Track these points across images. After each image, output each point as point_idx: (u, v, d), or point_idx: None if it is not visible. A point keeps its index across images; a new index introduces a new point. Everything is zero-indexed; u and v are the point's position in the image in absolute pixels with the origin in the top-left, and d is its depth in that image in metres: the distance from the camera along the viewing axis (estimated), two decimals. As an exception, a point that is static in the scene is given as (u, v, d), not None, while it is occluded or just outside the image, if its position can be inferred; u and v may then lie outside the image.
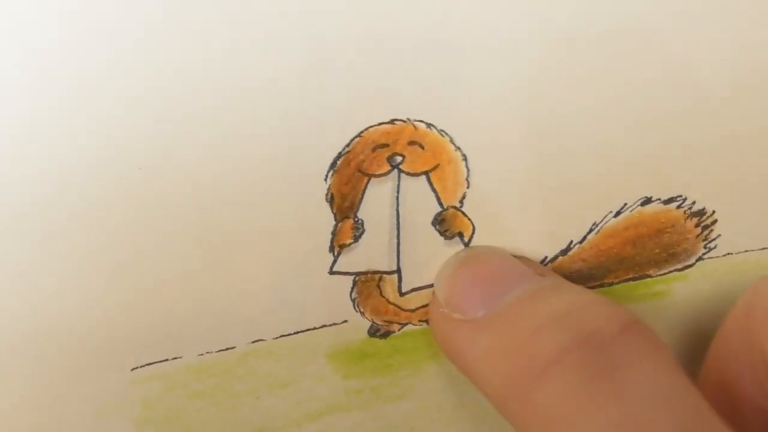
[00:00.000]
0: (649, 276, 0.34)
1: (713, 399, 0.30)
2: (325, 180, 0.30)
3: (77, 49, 0.27)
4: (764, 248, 0.35)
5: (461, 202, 0.32)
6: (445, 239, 0.32)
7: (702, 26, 0.31)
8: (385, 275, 0.32)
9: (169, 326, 0.31)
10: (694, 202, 0.34)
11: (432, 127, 0.31)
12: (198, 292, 0.31)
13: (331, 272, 0.32)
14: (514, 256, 0.33)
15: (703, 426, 0.28)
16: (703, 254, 0.35)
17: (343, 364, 0.33)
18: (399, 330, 0.33)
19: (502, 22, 0.29)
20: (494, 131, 0.31)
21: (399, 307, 0.33)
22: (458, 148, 0.31)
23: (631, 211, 0.33)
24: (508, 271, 0.32)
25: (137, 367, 0.31)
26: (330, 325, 0.33)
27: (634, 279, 0.34)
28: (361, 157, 0.30)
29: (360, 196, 0.31)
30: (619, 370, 0.28)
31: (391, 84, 0.30)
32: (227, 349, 0.32)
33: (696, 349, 0.36)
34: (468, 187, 0.32)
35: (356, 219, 0.31)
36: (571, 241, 0.33)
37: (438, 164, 0.31)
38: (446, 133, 0.31)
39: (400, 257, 0.32)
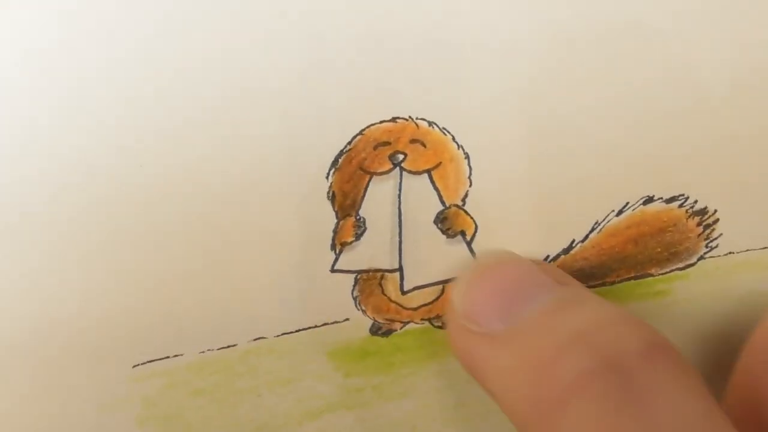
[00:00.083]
0: (651, 275, 0.34)
1: (741, 417, 0.30)
2: (327, 178, 0.30)
3: (77, 49, 0.27)
4: (766, 247, 0.35)
5: (463, 200, 0.32)
6: (447, 237, 0.32)
7: (702, 26, 0.31)
8: (386, 273, 0.32)
9: (170, 324, 0.31)
10: (696, 201, 0.33)
11: (434, 126, 0.31)
12: (199, 289, 0.31)
13: (333, 270, 0.32)
14: (536, 262, 0.32)
15: None
16: (705, 253, 0.34)
17: (345, 362, 0.33)
18: (401, 328, 0.33)
19: (502, 22, 0.29)
20: (495, 130, 0.31)
21: (401, 306, 0.33)
22: (460, 147, 0.31)
23: (633, 209, 0.33)
24: (527, 280, 0.31)
25: (138, 365, 0.31)
26: (331, 323, 0.33)
27: (635, 278, 0.34)
28: (363, 155, 0.30)
29: (362, 194, 0.31)
30: (645, 398, 0.27)
31: (392, 84, 0.30)
32: (228, 346, 0.32)
33: (698, 348, 0.36)
34: (470, 186, 0.32)
35: (358, 217, 0.31)
36: (573, 240, 0.33)
37: (440, 162, 0.31)
38: (448, 132, 0.31)
39: (402, 255, 0.32)
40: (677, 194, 0.33)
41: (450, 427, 0.35)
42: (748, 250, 0.35)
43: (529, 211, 0.32)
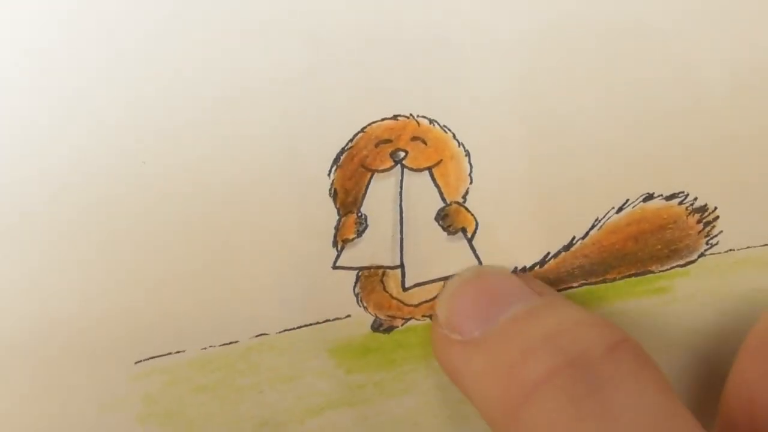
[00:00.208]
0: (651, 272, 0.34)
1: (736, 421, 0.30)
2: (329, 175, 0.30)
3: (77, 49, 0.27)
4: (766, 244, 0.35)
5: (464, 197, 0.32)
6: (448, 234, 0.32)
7: (702, 26, 0.31)
8: (388, 270, 0.32)
9: (172, 320, 0.31)
10: (696, 199, 0.33)
11: (435, 123, 0.31)
12: (201, 286, 0.31)
13: (335, 267, 0.32)
14: (518, 274, 0.33)
15: None
16: (705, 250, 0.34)
17: (346, 358, 0.33)
18: (402, 325, 0.34)
19: (502, 21, 0.29)
20: (496, 128, 0.31)
21: (402, 302, 0.33)
22: (461, 144, 0.31)
23: (633, 207, 0.33)
24: (504, 290, 0.32)
25: (140, 361, 0.31)
26: (333, 320, 0.33)
27: (636, 275, 0.34)
28: (365, 152, 0.30)
29: (363, 192, 0.31)
30: (605, 390, 0.28)
31: (392, 83, 0.30)
32: (230, 343, 0.32)
33: (698, 345, 0.36)
34: (471, 183, 0.32)
35: (359, 214, 0.31)
36: (574, 237, 0.33)
37: (441, 160, 0.31)
38: (449, 129, 0.31)
39: (404, 252, 0.32)
40: (677, 191, 0.33)
41: (451, 423, 0.35)
42: (748, 247, 0.35)
43: (530, 208, 0.32)
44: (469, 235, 0.32)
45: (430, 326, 0.33)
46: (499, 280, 0.32)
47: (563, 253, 0.33)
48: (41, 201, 0.28)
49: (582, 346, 0.29)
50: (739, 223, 0.34)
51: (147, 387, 0.31)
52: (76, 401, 0.31)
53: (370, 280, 0.32)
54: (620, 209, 0.33)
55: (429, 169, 0.31)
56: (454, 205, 0.32)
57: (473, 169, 0.31)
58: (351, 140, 0.30)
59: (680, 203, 0.33)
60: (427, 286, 0.33)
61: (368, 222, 0.31)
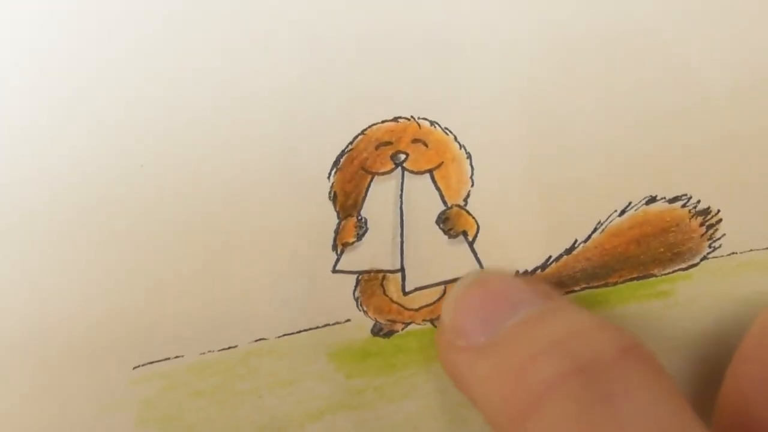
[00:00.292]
0: (654, 275, 0.34)
1: (733, 426, 0.30)
2: (329, 178, 0.30)
3: (77, 49, 0.27)
4: (769, 248, 0.35)
5: (465, 200, 0.32)
6: (449, 238, 0.32)
7: (702, 26, 0.31)
8: (388, 274, 0.32)
9: (170, 325, 0.31)
10: (699, 201, 0.33)
11: (436, 125, 0.31)
12: (200, 290, 0.31)
13: (334, 271, 0.32)
14: (524, 277, 0.33)
15: None
16: (708, 253, 0.34)
17: (346, 363, 0.33)
18: (402, 329, 0.33)
19: (502, 22, 0.29)
20: (497, 131, 0.31)
21: (402, 306, 0.33)
22: (462, 147, 0.31)
23: (635, 210, 0.33)
24: (510, 295, 0.31)
25: (139, 366, 0.31)
26: (333, 324, 0.32)
27: (638, 278, 0.34)
28: (365, 154, 0.30)
29: (363, 195, 0.31)
30: (616, 398, 0.27)
31: (392, 84, 0.30)
32: (229, 348, 0.32)
33: (700, 348, 0.36)
34: (472, 186, 0.32)
35: (359, 217, 0.31)
36: (576, 240, 0.33)
37: (442, 162, 0.31)
38: (450, 132, 0.31)
39: (404, 256, 0.32)
40: (680, 194, 0.33)
41: (452, 428, 0.35)
42: (751, 250, 0.35)
43: (532, 211, 0.32)
44: (470, 239, 0.32)
45: (430, 331, 0.33)
46: (505, 284, 0.32)
47: (565, 256, 0.33)
48: (41, 201, 0.28)
49: (592, 351, 0.29)
50: (742, 225, 0.34)
51: (145, 391, 0.31)
52: (76, 402, 0.31)
53: (370, 284, 0.32)
54: (623, 212, 0.33)
55: (430, 171, 0.31)
56: (455, 208, 0.32)
57: (474, 171, 0.31)
58: (351, 142, 0.30)
59: (683, 206, 0.33)
60: (427, 290, 0.33)
61: (368, 225, 0.31)
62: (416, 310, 0.33)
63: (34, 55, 0.27)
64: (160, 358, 0.31)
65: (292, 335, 0.32)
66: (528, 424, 0.28)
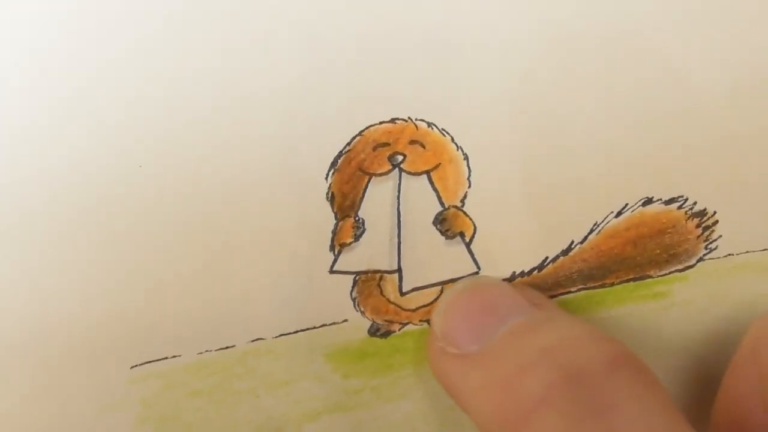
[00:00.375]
0: (650, 277, 0.34)
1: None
2: (326, 179, 0.30)
3: (77, 49, 0.27)
4: (765, 249, 0.35)
5: (462, 201, 0.32)
6: (446, 239, 0.32)
7: (702, 27, 0.31)
8: (385, 274, 0.32)
9: (168, 325, 0.31)
10: (695, 203, 0.33)
11: (433, 127, 0.31)
12: (198, 290, 0.31)
13: (332, 271, 0.32)
14: (515, 284, 0.33)
15: None
16: (704, 255, 0.34)
17: (343, 363, 0.33)
18: (399, 330, 0.33)
19: (502, 22, 0.29)
20: (494, 131, 0.31)
21: (399, 307, 0.33)
22: (459, 148, 0.31)
23: (632, 211, 0.33)
24: (500, 303, 0.31)
25: (136, 366, 0.31)
26: (330, 325, 0.32)
27: (634, 279, 0.34)
28: (362, 155, 0.30)
29: (361, 195, 0.31)
30: (607, 411, 0.27)
31: (392, 84, 0.30)
32: (227, 347, 0.32)
33: (697, 350, 0.36)
34: (469, 187, 0.32)
35: (357, 218, 0.31)
36: (572, 241, 0.33)
37: (439, 163, 0.31)
38: (447, 133, 0.31)
39: (401, 256, 0.32)
40: (676, 195, 0.33)
41: (448, 428, 0.35)
42: (747, 252, 0.35)
43: (528, 212, 0.32)
44: (468, 240, 0.32)
45: (427, 331, 0.33)
46: (496, 291, 0.32)
47: (561, 257, 0.33)
48: (41, 201, 0.28)
49: (581, 361, 0.28)
50: (739, 227, 0.34)
51: (143, 391, 0.31)
52: (75, 402, 0.31)
53: (367, 285, 0.32)
54: (619, 213, 0.33)
55: (427, 172, 0.31)
56: (452, 209, 0.32)
57: (472, 172, 0.31)
58: (349, 143, 0.30)
59: (679, 207, 0.33)
60: (424, 290, 0.33)
61: (366, 226, 0.31)
62: (413, 310, 0.33)
63: (34, 55, 0.27)
64: (157, 358, 0.31)
65: (289, 335, 0.32)
66: None
